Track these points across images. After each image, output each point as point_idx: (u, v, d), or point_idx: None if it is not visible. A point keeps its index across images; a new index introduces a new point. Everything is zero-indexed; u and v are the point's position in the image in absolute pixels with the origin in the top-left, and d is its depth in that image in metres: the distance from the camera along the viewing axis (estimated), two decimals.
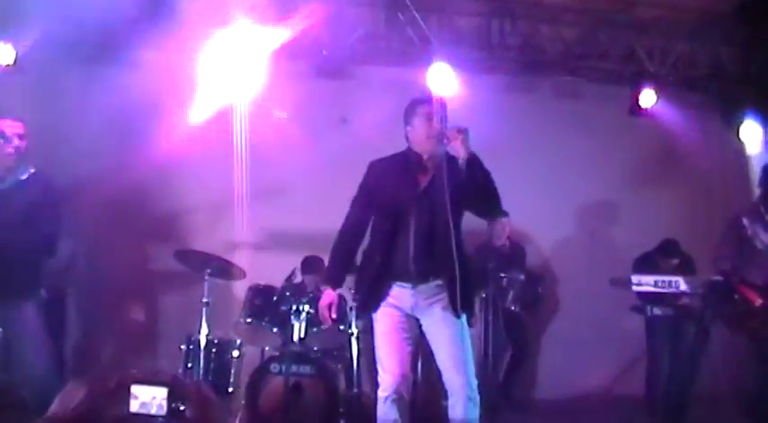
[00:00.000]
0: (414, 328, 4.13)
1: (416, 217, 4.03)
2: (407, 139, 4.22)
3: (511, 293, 6.75)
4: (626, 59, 7.71)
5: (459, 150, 3.87)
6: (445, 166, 3.94)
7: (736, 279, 5.53)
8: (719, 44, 7.77)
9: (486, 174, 3.96)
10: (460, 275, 3.95)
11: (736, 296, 5.49)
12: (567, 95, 7.97)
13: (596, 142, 7.74)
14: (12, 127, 4.68)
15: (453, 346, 4.01)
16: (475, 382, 4.01)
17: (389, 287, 4.08)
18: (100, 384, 2.11)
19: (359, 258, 4.35)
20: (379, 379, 4.07)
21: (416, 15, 7.10)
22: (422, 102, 4.19)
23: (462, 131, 3.87)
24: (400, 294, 4.08)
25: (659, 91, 7.57)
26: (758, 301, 5.40)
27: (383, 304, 4.09)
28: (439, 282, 4.02)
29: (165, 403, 2.14)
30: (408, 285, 4.06)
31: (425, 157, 4.11)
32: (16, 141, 4.66)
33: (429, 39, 7.15)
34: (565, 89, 7.97)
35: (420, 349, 4.40)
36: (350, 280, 6.13)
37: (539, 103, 7.88)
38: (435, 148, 4.04)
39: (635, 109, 7.67)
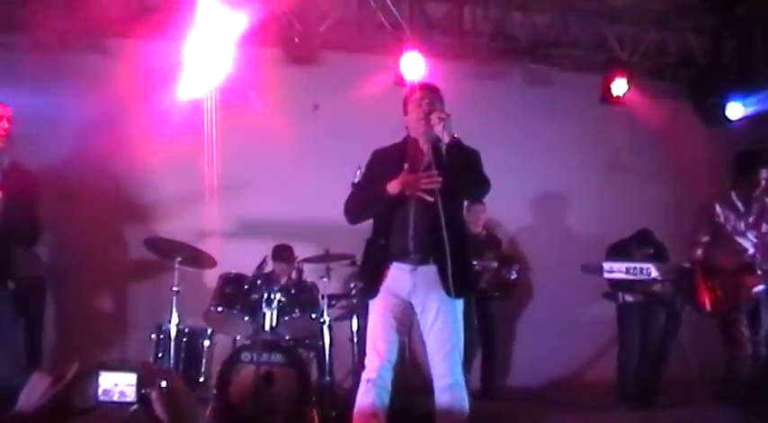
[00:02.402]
0: (408, 317, 4.19)
1: (416, 203, 4.09)
2: (406, 128, 4.34)
3: (483, 279, 6.76)
4: (597, 47, 7.75)
5: (442, 135, 4.04)
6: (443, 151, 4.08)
7: (698, 274, 5.61)
8: (689, 32, 7.83)
9: (470, 158, 4.10)
10: (460, 256, 4.04)
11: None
12: (539, 83, 7.97)
13: (568, 130, 7.76)
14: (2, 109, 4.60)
15: (444, 334, 4.06)
16: (462, 371, 4.08)
17: (388, 268, 4.13)
18: (65, 374, 2.04)
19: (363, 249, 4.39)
20: (366, 361, 4.13)
21: (388, 1, 7.07)
22: (413, 89, 4.38)
23: (443, 117, 4.04)
24: (399, 276, 4.13)
25: (630, 79, 7.60)
26: (707, 308, 5.50)
27: (381, 289, 4.13)
28: (438, 264, 4.05)
29: (134, 390, 2.08)
30: (407, 267, 4.11)
31: (421, 141, 4.20)
32: (5, 124, 4.59)
33: (401, 25, 7.12)
34: (536, 76, 7.97)
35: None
36: (321, 268, 6.20)
37: (510, 90, 7.88)
38: (426, 129, 4.15)
39: (606, 97, 7.69)
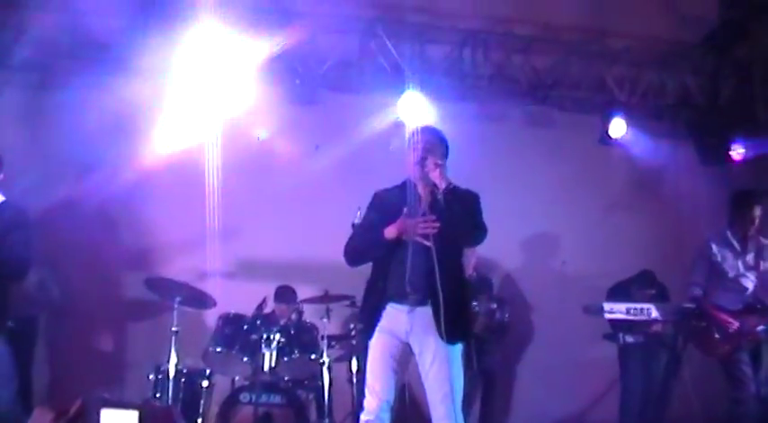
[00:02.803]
0: (406, 357, 4.17)
1: (414, 245, 4.09)
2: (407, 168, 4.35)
3: (479, 321, 6.71)
4: (596, 89, 7.78)
5: (438, 181, 4.05)
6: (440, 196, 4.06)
7: (708, 305, 5.59)
8: (688, 73, 7.87)
9: (466, 204, 4.10)
10: (455, 302, 4.04)
11: (705, 324, 5.55)
12: (538, 124, 8.01)
13: (567, 171, 7.77)
14: None
15: (441, 376, 4.03)
16: (460, 414, 4.05)
17: (386, 309, 4.12)
18: (68, 410, 2.04)
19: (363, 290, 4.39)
20: (365, 403, 4.11)
21: (388, 44, 7.14)
22: (414, 132, 4.35)
23: (439, 164, 4.06)
24: (397, 317, 4.12)
25: (629, 120, 7.64)
26: (734, 325, 5.47)
27: (379, 329, 4.12)
28: (433, 306, 4.04)
29: None
30: (405, 308, 4.10)
31: (419, 185, 4.23)
32: None
33: (401, 67, 7.18)
34: (536, 118, 8.01)
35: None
36: (321, 308, 6.18)
37: (510, 131, 7.90)
38: (420, 174, 4.18)
39: (605, 138, 7.72)
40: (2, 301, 4.61)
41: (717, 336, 5.56)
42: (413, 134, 4.35)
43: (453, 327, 4.03)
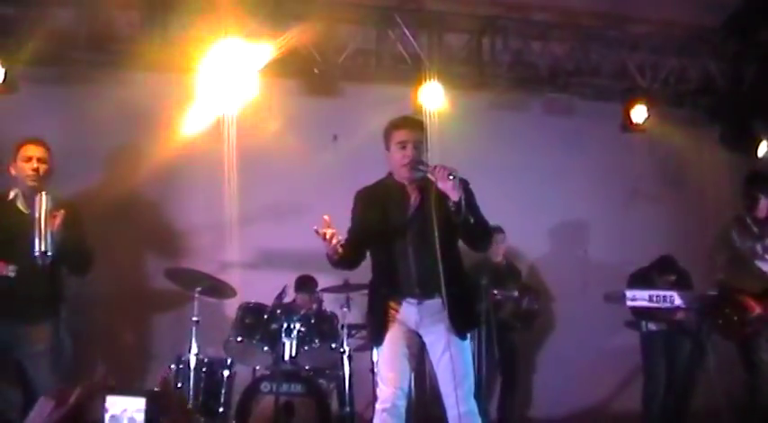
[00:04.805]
0: (416, 346, 4.17)
1: (413, 243, 4.09)
2: (388, 163, 4.25)
3: (504, 309, 6.69)
4: (617, 75, 7.71)
5: (450, 193, 3.88)
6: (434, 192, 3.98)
7: (731, 289, 5.53)
8: (709, 58, 7.78)
9: (475, 216, 4.03)
10: (458, 294, 4.03)
11: (727, 308, 5.49)
12: (559, 112, 7.96)
13: (589, 159, 7.73)
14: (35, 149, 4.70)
15: (453, 364, 4.02)
16: (473, 401, 4.06)
17: (395, 304, 4.13)
18: (67, 398, 2.01)
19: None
20: (378, 392, 4.12)
21: (407, 32, 7.11)
22: (396, 127, 4.21)
23: (453, 177, 3.84)
24: (406, 310, 4.12)
25: (651, 107, 7.57)
26: (756, 310, 5.40)
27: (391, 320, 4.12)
28: (441, 299, 4.02)
29: (142, 415, 2.05)
30: (414, 301, 4.11)
31: (406, 183, 4.16)
32: (35, 164, 4.66)
33: (419, 56, 7.15)
34: (556, 106, 7.95)
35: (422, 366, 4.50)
36: (341, 298, 6.18)
37: (530, 119, 7.86)
38: (410, 176, 4.11)
39: (627, 125, 7.65)
40: (59, 292, 4.73)
41: (736, 318, 5.50)
42: (394, 126, 4.20)
43: (462, 319, 4.06)
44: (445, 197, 3.90)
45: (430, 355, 4.17)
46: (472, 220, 3.97)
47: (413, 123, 4.25)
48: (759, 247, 5.57)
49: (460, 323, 4.06)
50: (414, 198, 4.15)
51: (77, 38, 6.53)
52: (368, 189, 4.31)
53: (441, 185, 3.89)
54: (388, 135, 4.21)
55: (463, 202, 3.87)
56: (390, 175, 4.25)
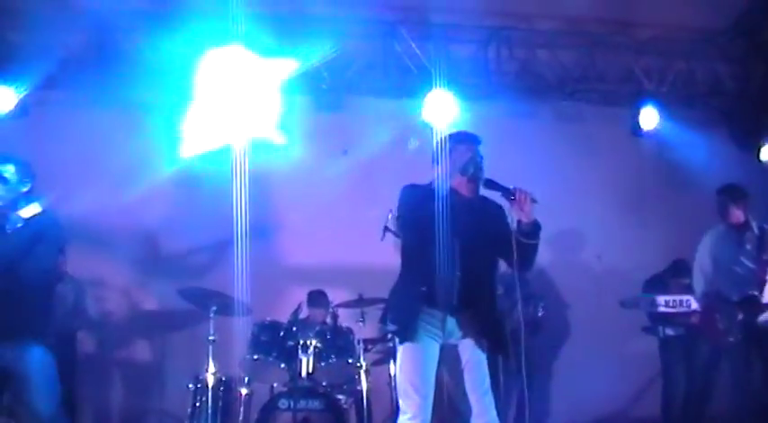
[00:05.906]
0: (441, 357, 4.15)
1: (461, 252, 4.04)
2: (439, 171, 4.19)
3: (510, 318, 6.65)
4: (624, 80, 7.71)
5: (523, 217, 4.00)
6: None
7: (713, 298, 5.60)
8: (717, 61, 7.77)
9: (537, 241, 4.10)
10: (493, 315, 4.16)
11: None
12: (568, 119, 7.95)
13: (599, 164, 7.72)
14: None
15: (479, 373, 4.07)
16: (494, 411, 4.08)
17: (430, 315, 4.09)
18: None
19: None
20: (402, 405, 4.07)
21: (413, 45, 7.13)
22: (461, 141, 4.25)
23: (533, 201, 3.99)
24: (434, 318, 4.09)
25: (660, 110, 7.55)
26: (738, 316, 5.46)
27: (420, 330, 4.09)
28: (474, 313, 4.06)
29: None
30: (444, 312, 4.09)
31: (466, 195, 4.16)
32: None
33: (426, 68, 7.16)
34: (565, 112, 7.96)
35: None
36: (356, 312, 6.18)
37: (540, 128, 7.85)
38: (473, 193, 4.16)
39: (637, 129, 7.64)
40: (44, 313, 4.67)
41: (720, 326, 5.52)
42: (458, 140, 4.24)
43: (494, 339, 4.11)
44: (498, 215, 4.04)
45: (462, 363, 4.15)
46: (534, 243, 4.05)
47: (474, 138, 4.28)
48: (740, 255, 5.59)
49: (492, 345, 4.10)
50: (469, 210, 4.13)
51: (86, 62, 6.58)
52: (419, 187, 4.23)
53: (516, 207, 3.99)
54: (453, 147, 4.20)
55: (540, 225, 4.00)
56: (444, 182, 4.17)
